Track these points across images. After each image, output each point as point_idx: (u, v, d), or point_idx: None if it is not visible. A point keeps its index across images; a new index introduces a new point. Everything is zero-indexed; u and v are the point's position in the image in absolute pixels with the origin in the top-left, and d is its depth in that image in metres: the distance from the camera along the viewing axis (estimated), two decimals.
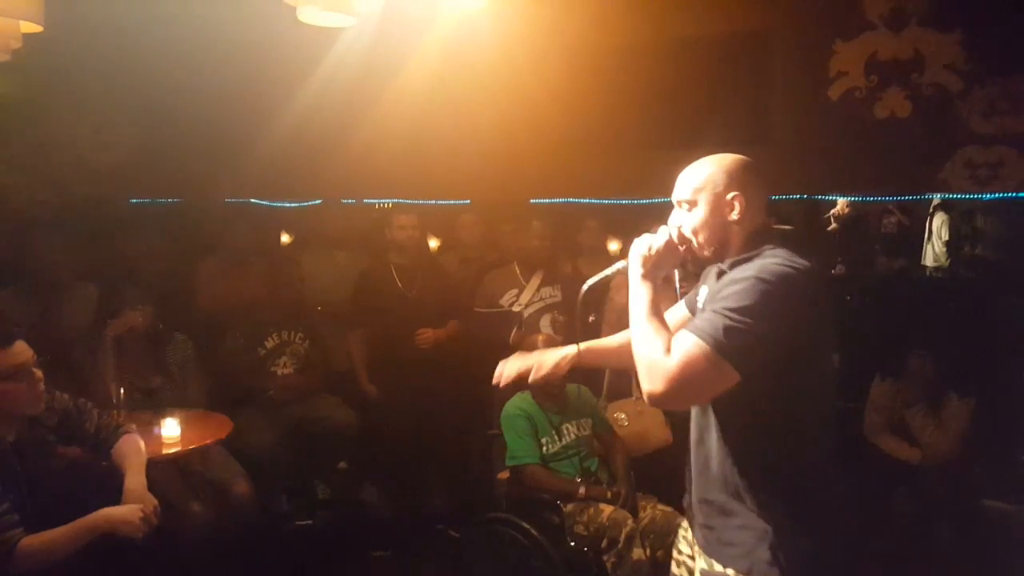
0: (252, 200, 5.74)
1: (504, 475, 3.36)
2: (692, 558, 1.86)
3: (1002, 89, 3.77)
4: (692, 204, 1.72)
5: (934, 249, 5.38)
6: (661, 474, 3.59)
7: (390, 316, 3.86)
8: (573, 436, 3.29)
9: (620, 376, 3.66)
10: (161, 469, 2.83)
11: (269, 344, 3.96)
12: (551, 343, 3.30)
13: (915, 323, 3.86)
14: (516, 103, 4.30)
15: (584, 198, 4.94)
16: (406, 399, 3.82)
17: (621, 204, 4.86)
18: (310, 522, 3.94)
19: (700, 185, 1.71)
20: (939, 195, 4.57)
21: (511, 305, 3.83)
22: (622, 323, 3.69)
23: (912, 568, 3.41)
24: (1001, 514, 3.59)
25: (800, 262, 1.58)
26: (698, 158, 1.75)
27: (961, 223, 5.07)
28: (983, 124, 3.79)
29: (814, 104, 4.07)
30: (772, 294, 1.52)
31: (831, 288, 1.67)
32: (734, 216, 1.68)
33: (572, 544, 3.02)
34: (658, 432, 3.52)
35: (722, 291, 1.57)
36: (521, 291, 3.85)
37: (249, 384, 3.87)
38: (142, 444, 2.60)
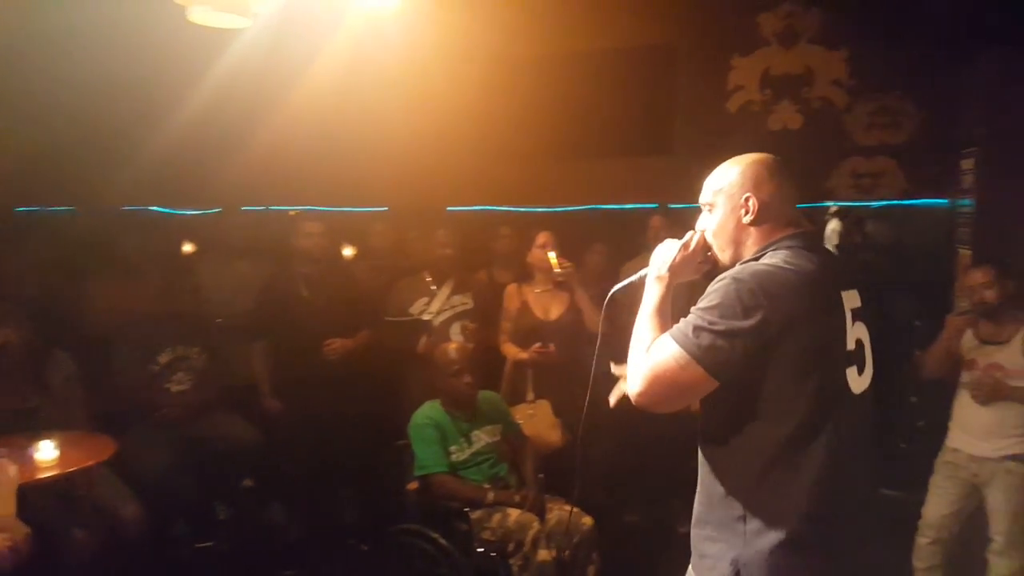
0: (152, 208, 5.49)
1: (413, 485, 3.31)
2: None
3: (881, 104, 4.03)
4: (711, 206, 1.68)
5: None
6: (567, 477, 3.65)
7: (296, 327, 3.74)
8: (483, 442, 3.29)
9: (517, 381, 3.72)
10: (38, 494, 2.67)
11: (163, 359, 3.76)
12: (462, 351, 3.30)
13: None
14: (433, 110, 4.31)
15: (500, 205, 4.96)
16: (313, 412, 3.71)
17: (536, 212, 4.91)
18: (211, 544, 3.77)
19: (719, 186, 1.67)
20: (833, 203, 4.82)
21: (421, 313, 3.79)
22: (518, 332, 3.72)
23: None
24: (887, 501, 3.76)
25: (796, 263, 1.50)
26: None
27: (852, 229, 5.35)
28: (865, 136, 4.04)
29: (714, 116, 4.24)
30: (744, 293, 1.45)
31: (838, 295, 1.55)
32: (747, 219, 1.61)
33: (480, 550, 3.01)
34: (549, 434, 3.57)
35: (705, 293, 1.52)
36: (431, 299, 3.81)
37: (142, 402, 3.67)
38: (11, 469, 2.41)
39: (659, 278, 1.68)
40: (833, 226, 5.54)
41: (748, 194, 1.61)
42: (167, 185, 5.03)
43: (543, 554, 2.91)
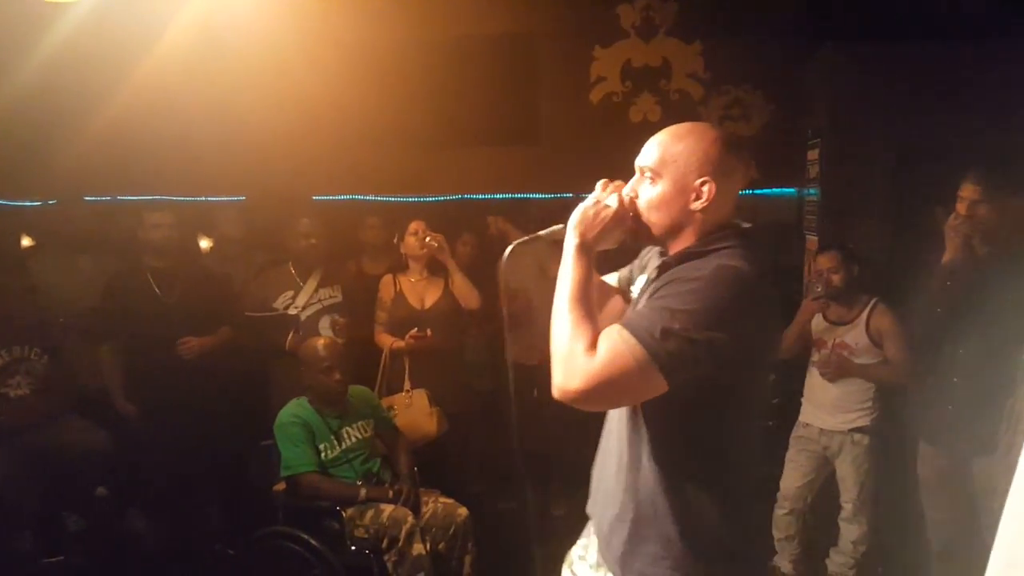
0: None
1: (280, 486, 3.21)
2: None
3: (734, 96, 4.23)
4: (656, 176, 1.47)
5: None
6: (444, 466, 3.66)
7: (147, 325, 3.49)
8: (355, 439, 3.23)
9: (392, 371, 3.68)
10: None
11: None
12: (332, 347, 3.22)
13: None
14: (294, 96, 4.12)
15: (367, 195, 4.84)
16: (171, 414, 3.50)
17: (403, 201, 4.84)
18: (61, 558, 3.51)
19: (670, 157, 1.46)
20: None
21: (286, 308, 3.64)
22: (392, 321, 3.68)
23: None
24: None
25: (757, 265, 1.38)
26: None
27: None
28: (720, 128, 4.22)
29: (577, 106, 4.31)
30: (724, 299, 1.31)
31: (776, 295, 1.48)
32: (697, 205, 1.45)
33: (353, 548, 2.97)
34: (425, 424, 3.57)
35: (667, 287, 1.36)
36: (297, 292, 3.68)
37: None
38: None
39: (582, 249, 1.46)
40: None
41: (706, 179, 1.44)
42: (3, 175, 4.56)
43: (418, 548, 2.91)
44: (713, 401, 1.39)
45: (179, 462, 3.61)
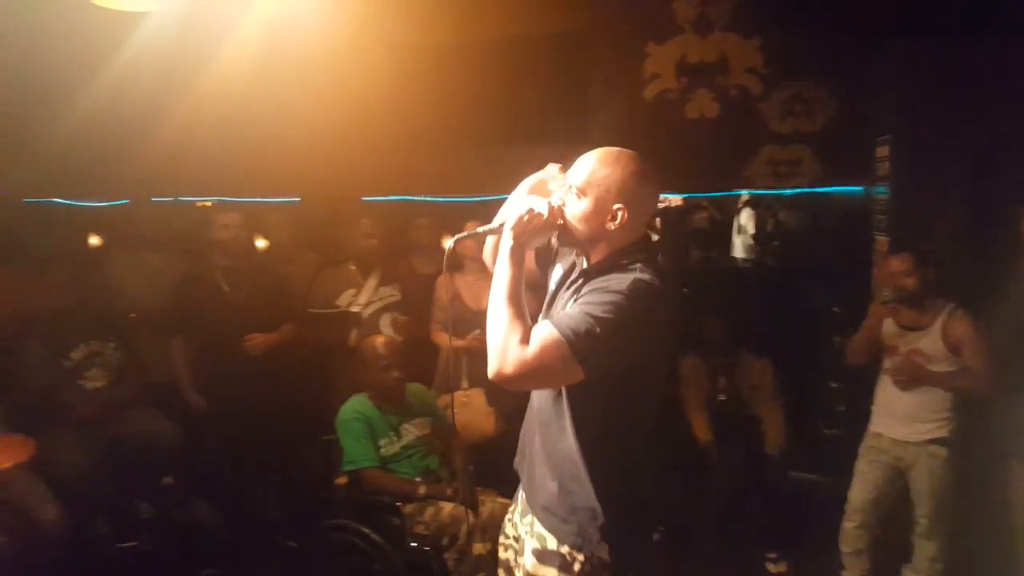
0: (55, 200, 5.21)
1: (342, 480, 3.28)
2: (518, 539, 1.93)
3: (796, 93, 4.12)
4: (581, 193, 1.71)
5: (742, 242, 5.81)
6: (501, 467, 3.67)
7: (215, 322, 3.63)
8: (413, 436, 3.27)
9: (450, 370, 3.73)
10: None
11: (76, 356, 3.64)
12: (391, 344, 3.27)
13: (715, 302, 4.11)
14: (347, 98, 4.17)
15: (416, 195, 4.89)
16: (236, 408, 3.62)
17: (452, 202, 4.87)
18: (134, 543, 3.67)
19: (592, 181, 1.69)
20: (745, 191, 4.93)
21: (349, 305, 3.72)
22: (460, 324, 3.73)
23: (720, 539, 3.65)
24: (805, 484, 3.91)
25: (662, 282, 1.64)
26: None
27: (765, 217, 5.49)
28: (780, 124, 4.12)
29: (630, 104, 4.25)
30: (636, 312, 1.58)
31: (681, 302, 1.77)
32: (612, 226, 1.69)
33: (413, 545, 3.00)
34: (483, 423, 3.59)
35: (589, 295, 1.62)
36: (359, 290, 3.76)
37: (55, 400, 3.53)
38: None
39: (516, 250, 1.69)
40: (747, 215, 5.69)
41: (620, 206, 1.68)
42: (70, 176, 4.76)
43: (478, 547, 2.92)
44: (620, 384, 1.67)
45: (242, 454, 3.73)
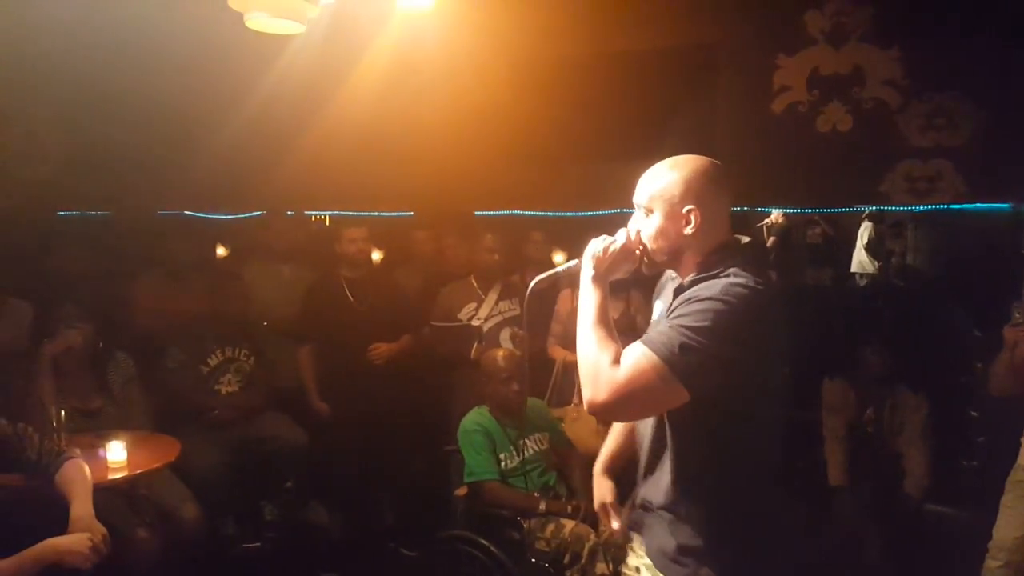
0: (186, 212, 5.54)
1: (462, 492, 3.31)
2: (638, 570, 1.82)
3: (937, 105, 3.91)
4: (648, 210, 1.65)
5: (862, 257, 5.56)
6: (620, 486, 3.62)
7: (342, 331, 3.77)
8: (532, 451, 3.27)
9: (563, 384, 3.72)
10: (106, 495, 2.71)
11: (213, 361, 3.83)
12: (511, 358, 3.29)
13: (858, 324, 3.92)
14: (461, 113, 4.25)
15: (529, 210, 4.92)
16: (358, 416, 3.73)
17: (566, 216, 4.87)
18: (258, 544, 3.81)
19: (656, 193, 1.63)
20: (866, 207, 4.72)
21: (470, 319, 3.78)
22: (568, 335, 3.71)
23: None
24: (941, 518, 3.66)
25: (761, 283, 1.53)
26: (643, 171, 1.71)
27: (890, 233, 5.23)
28: (920, 138, 3.92)
29: (758, 117, 4.14)
30: (732, 317, 1.46)
31: (785, 307, 1.61)
32: (689, 230, 1.61)
33: (533, 560, 2.99)
34: (590, 440, 3.54)
35: (681, 308, 1.51)
36: (480, 304, 3.82)
37: (192, 403, 3.73)
38: (87, 470, 2.49)
39: (597, 279, 1.64)
40: (869, 230, 5.42)
41: (691, 206, 1.60)
42: (204, 189, 5.05)
43: (601, 567, 2.87)
44: (729, 409, 1.53)
45: (363, 461, 3.82)
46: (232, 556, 3.72)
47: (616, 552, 2.99)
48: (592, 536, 2.93)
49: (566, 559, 2.93)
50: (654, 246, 1.65)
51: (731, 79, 4.34)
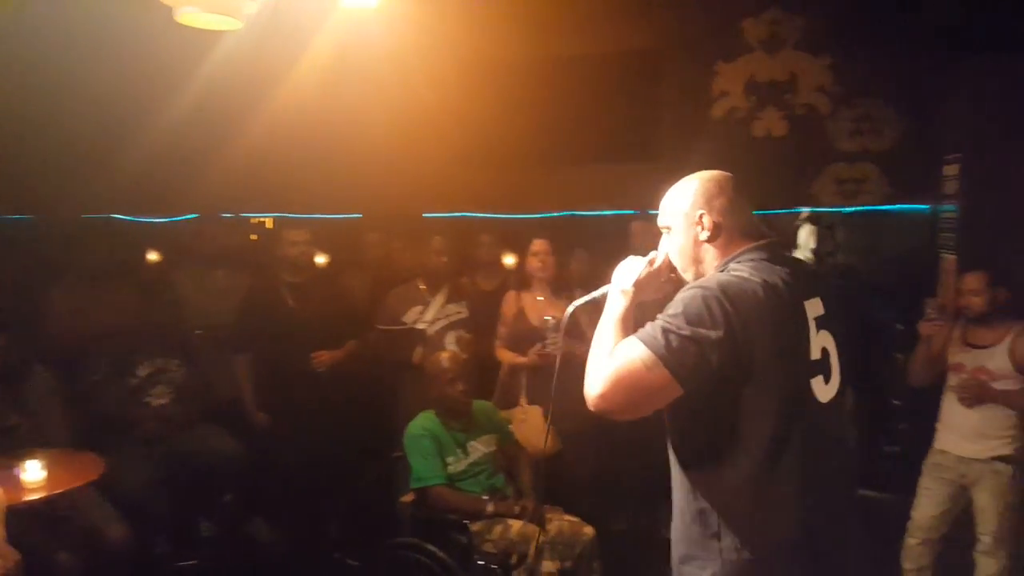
0: (114, 216, 5.30)
1: (408, 498, 3.25)
2: None
3: (864, 111, 4.09)
4: (668, 228, 1.71)
5: (804, 256, 5.73)
6: (558, 484, 3.63)
7: (282, 338, 3.65)
8: (480, 453, 3.25)
9: (510, 387, 3.70)
10: (23, 517, 2.56)
11: (141, 372, 3.65)
12: (457, 360, 3.26)
13: None
14: (409, 114, 4.22)
15: (478, 212, 4.91)
16: (300, 425, 3.62)
17: (515, 219, 4.87)
18: (194, 562, 3.65)
19: (672, 210, 1.70)
20: (805, 208, 4.87)
21: (415, 322, 3.72)
22: (513, 337, 3.69)
23: None
24: (867, 501, 3.80)
25: (758, 275, 1.51)
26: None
27: (823, 234, 5.40)
28: (848, 143, 4.09)
29: (699, 122, 4.25)
30: (709, 300, 1.46)
31: (801, 305, 1.56)
32: (703, 236, 1.64)
33: (480, 563, 2.96)
34: (537, 440, 3.55)
35: (670, 304, 1.54)
36: (426, 308, 3.76)
37: (119, 417, 3.54)
38: (0, 491, 2.31)
39: (623, 292, 1.68)
40: (806, 231, 5.60)
41: (701, 212, 1.64)
42: (133, 192, 4.84)
43: (547, 565, 2.89)
44: (724, 409, 1.50)
45: (306, 472, 3.71)
46: (167, 575, 3.56)
47: (563, 550, 3.02)
48: (539, 535, 2.93)
49: (513, 559, 2.93)
50: (679, 262, 1.70)
51: (673, 84, 4.45)
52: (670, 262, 1.72)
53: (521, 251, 3.86)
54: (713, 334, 1.44)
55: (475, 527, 3.01)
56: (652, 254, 1.74)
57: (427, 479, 3.09)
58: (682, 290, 1.54)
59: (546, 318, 3.59)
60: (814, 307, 1.57)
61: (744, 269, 1.54)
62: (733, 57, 4.21)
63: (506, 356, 3.75)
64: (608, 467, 4.12)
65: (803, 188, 4.16)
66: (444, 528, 3.05)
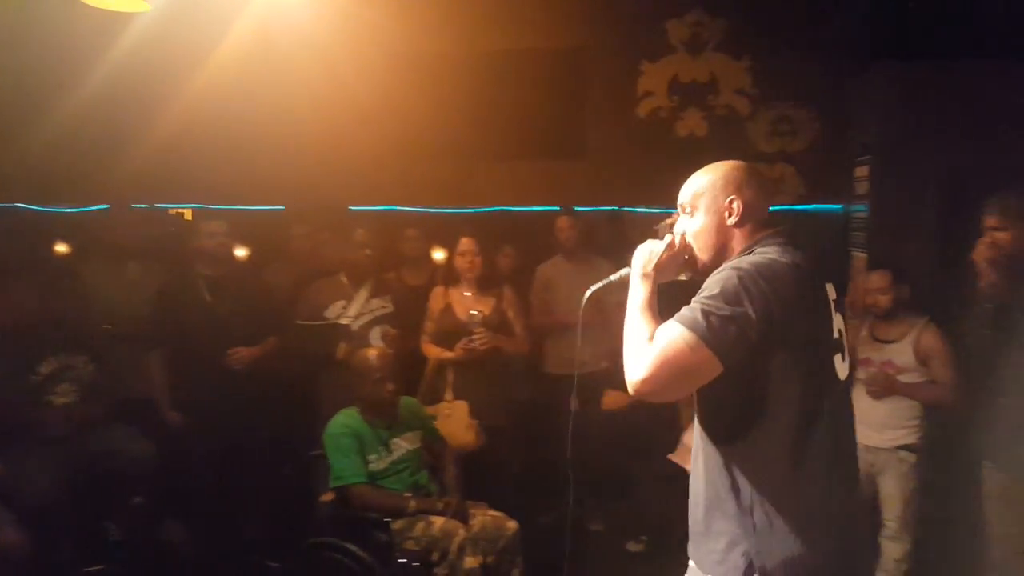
0: (18, 205, 5.02)
1: (328, 497, 3.19)
2: None
3: (781, 113, 4.22)
4: (693, 209, 1.73)
5: None
6: (484, 479, 3.63)
7: (197, 333, 3.51)
8: (404, 450, 3.21)
9: (436, 382, 3.71)
10: None
11: (45, 369, 3.45)
12: (384, 357, 3.21)
13: None
14: (337, 106, 4.13)
15: (405, 206, 4.85)
16: (217, 424, 3.50)
17: (443, 213, 4.84)
18: (101, 567, 3.49)
19: (700, 190, 1.72)
20: None
21: (338, 317, 3.64)
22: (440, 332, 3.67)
23: None
24: None
25: (786, 257, 1.57)
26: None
27: None
28: (766, 144, 4.22)
29: (624, 120, 4.30)
30: (746, 281, 1.50)
31: (823, 286, 1.64)
32: (732, 220, 1.68)
33: (402, 561, 2.93)
34: (463, 435, 3.55)
35: (705, 286, 1.57)
36: (349, 302, 3.68)
37: (20, 416, 3.34)
38: None
39: (645, 276, 1.71)
40: None
41: (732, 197, 1.69)
42: (43, 180, 4.60)
43: (469, 561, 2.88)
44: (760, 385, 1.54)
45: (223, 472, 3.60)
46: None
47: (486, 545, 3.01)
48: (461, 531, 2.93)
49: (435, 557, 2.91)
50: (699, 244, 1.73)
51: (600, 83, 4.49)
52: (686, 244, 1.75)
53: (449, 246, 3.84)
54: (752, 312, 1.48)
55: (397, 525, 2.97)
56: (668, 236, 1.75)
57: (347, 477, 3.04)
58: (715, 272, 1.58)
59: (472, 313, 3.58)
60: (830, 290, 1.67)
61: (772, 251, 1.59)
62: (657, 57, 4.29)
63: (432, 351, 3.72)
64: (534, 460, 4.15)
65: None
66: (365, 527, 3.01)
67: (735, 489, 1.59)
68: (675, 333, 1.50)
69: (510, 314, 3.80)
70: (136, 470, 3.53)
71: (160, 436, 3.63)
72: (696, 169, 1.76)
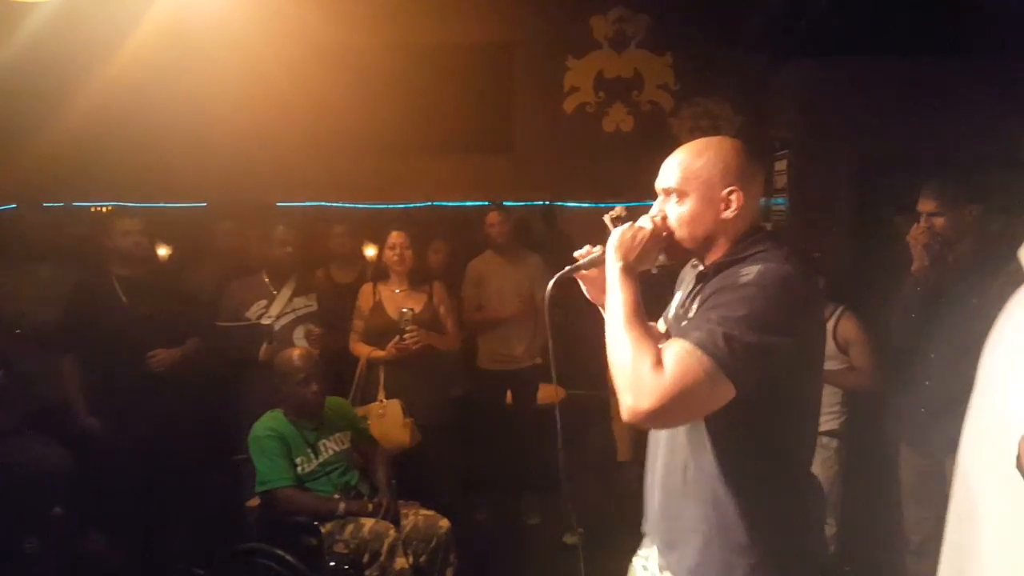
0: None
1: (254, 503, 3.12)
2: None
3: (703, 108, 4.31)
4: (682, 194, 1.52)
5: None
6: (419, 478, 3.61)
7: (113, 337, 3.37)
8: (332, 452, 3.16)
9: (367, 381, 3.66)
10: None
11: None
12: (308, 357, 3.15)
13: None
14: (260, 98, 4.03)
15: (333, 202, 4.78)
16: (137, 430, 3.38)
17: (371, 209, 4.78)
18: None
19: (693, 174, 1.51)
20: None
21: (259, 317, 3.56)
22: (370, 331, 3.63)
23: None
24: None
25: (792, 265, 1.42)
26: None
27: None
28: (689, 138, 4.27)
29: (551, 115, 4.34)
30: (769, 303, 1.34)
31: (816, 292, 1.53)
32: (729, 213, 1.49)
33: (332, 564, 2.89)
34: (399, 435, 3.53)
35: (716, 297, 1.39)
36: (271, 302, 3.60)
37: None
38: None
39: (627, 269, 1.48)
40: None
41: (732, 188, 1.50)
42: None
43: (400, 562, 2.86)
44: (774, 403, 1.42)
45: (145, 479, 3.49)
46: None
47: (417, 545, 3.00)
48: (392, 532, 2.91)
49: (365, 558, 2.88)
50: (684, 232, 1.53)
51: (527, 78, 4.51)
52: (668, 228, 1.54)
53: (379, 242, 3.79)
54: (780, 340, 1.33)
55: (326, 528, 2.93)
56: (646, 220, 1.55)
57: (273, 481, 2.98)
58: (737, 287, 1.37)
59: (404, 310, 3.55)
60: None
61: (773, 257, 1.43)
62: (582, 53, 4.34)
63: (363, 350, 3.68)
64: (468, 458, 4.15)
65: (650, 182, 4.32)
66: (293, 531, 2.96)
67: (751, 506, 1.47)
68: (690, 359, 1.29)
69: (441, 310, 3.78)
70: (53, 480, 3.40)
71: (78, 444, 3.49)
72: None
